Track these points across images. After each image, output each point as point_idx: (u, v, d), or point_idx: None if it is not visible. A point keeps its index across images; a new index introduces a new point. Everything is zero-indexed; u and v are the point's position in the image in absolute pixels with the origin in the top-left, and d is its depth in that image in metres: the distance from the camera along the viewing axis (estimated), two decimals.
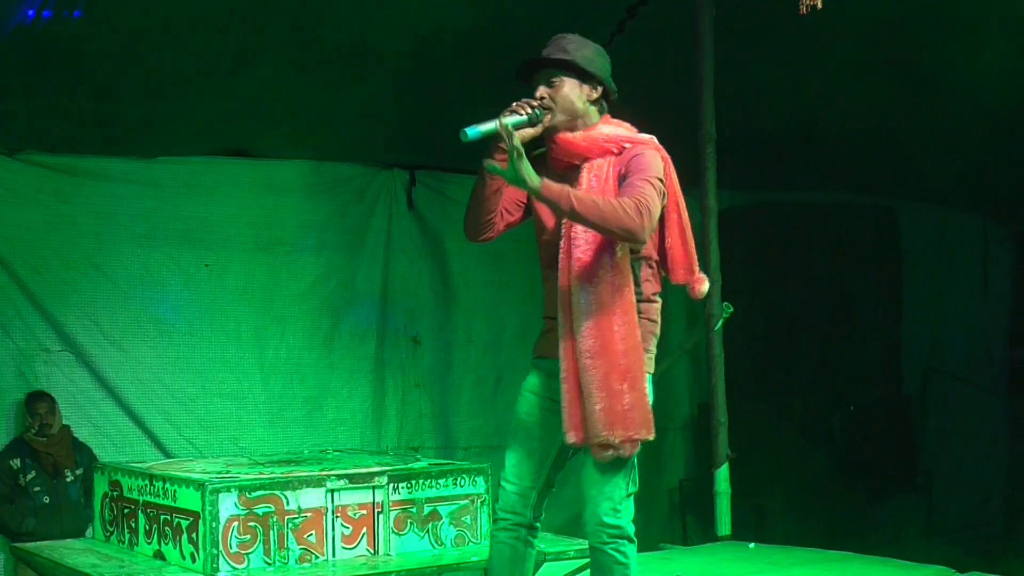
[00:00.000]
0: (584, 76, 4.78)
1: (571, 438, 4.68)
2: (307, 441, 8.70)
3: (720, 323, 8.43)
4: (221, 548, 5.47)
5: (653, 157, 4.70)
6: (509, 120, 4.53)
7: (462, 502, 6.08)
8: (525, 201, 4.90)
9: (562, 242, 4.70)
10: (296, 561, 5.65)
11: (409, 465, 6.16)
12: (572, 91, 4.75)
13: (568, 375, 4.66)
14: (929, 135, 10.37)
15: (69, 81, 7.69)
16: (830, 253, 11.32)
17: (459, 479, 6.08)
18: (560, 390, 4.68)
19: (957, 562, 7.51)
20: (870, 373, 11.82)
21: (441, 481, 6.03)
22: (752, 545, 8.15)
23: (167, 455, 8.41)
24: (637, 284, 4.72)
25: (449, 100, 8.49)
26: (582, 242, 4.64)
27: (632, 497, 4.77)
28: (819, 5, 6.49)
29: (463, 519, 6.07)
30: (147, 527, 5.94)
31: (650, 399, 4.70)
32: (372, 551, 5.84)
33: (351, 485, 5.81)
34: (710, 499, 8.53)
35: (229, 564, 5.48)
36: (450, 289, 9.91)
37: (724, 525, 8.41)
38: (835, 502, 10.87)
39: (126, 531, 6.12)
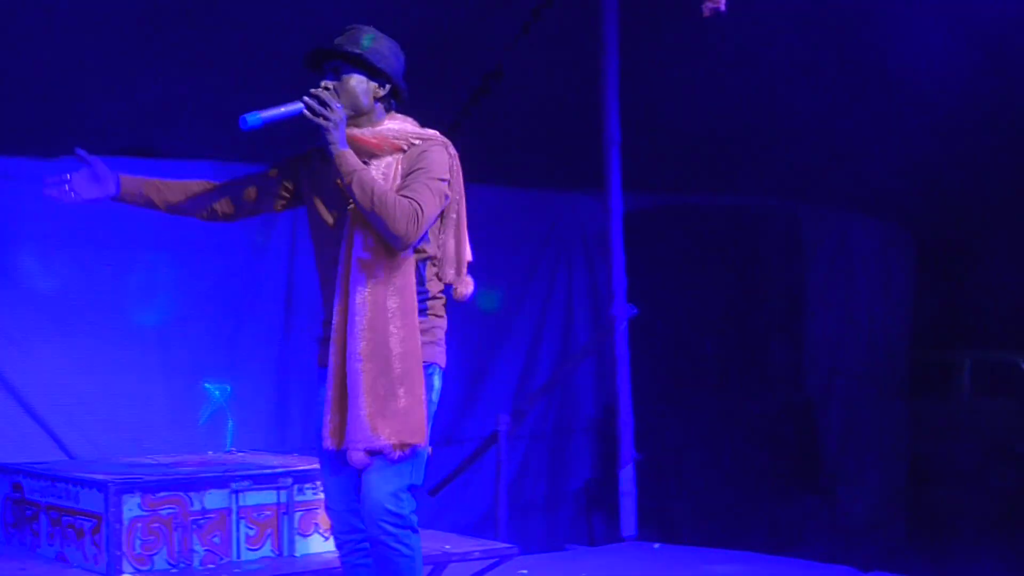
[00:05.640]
0: (373, 72, 4.66)
1: (328, 443, 4.59)
2: (211, 442, 8.63)
3: (625, 325, 8.50)
4: (124, 550, 5.43)
5: (439, 154, 4.61)
6: (290, 108, 4.50)
7: None
8: (287, 195, 4.85)
9: (344, 241, 4.58)
10: (200, 563, 5.62)
11: (314, 466, 6.13)
12: (359, 86, 4.63)
13: (333, 377, 4.57)
14: (831, 139, 10.51)
15: None
16: (734, 256, 11.43)
17: None
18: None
19: (860, 562, 7.63)
20: (774, 375, 11.94)
21: None
22: (657, 545, 8.22)
23: (70, 456, 8.32)
24: (423, 283, 4.65)
25: None
26: (364, 241, 4.53)
27: (413, 490, 4.63)
28: (722, 8, 6.56)
29: None
30: (49, 529, 5.87)
31: (435, 395, 4.68)
32: (277, 552, 5.82)
33: (256, 486, 5.79)
34: (616, 500, 8.59)
35: (132, 566, 5.44)
36: None
37: (630, 526, 8.48)
38: (740, 503, 10.97)
39: (28, 533, 6.05)
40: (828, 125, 10.29)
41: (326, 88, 4.56)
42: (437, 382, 4.70)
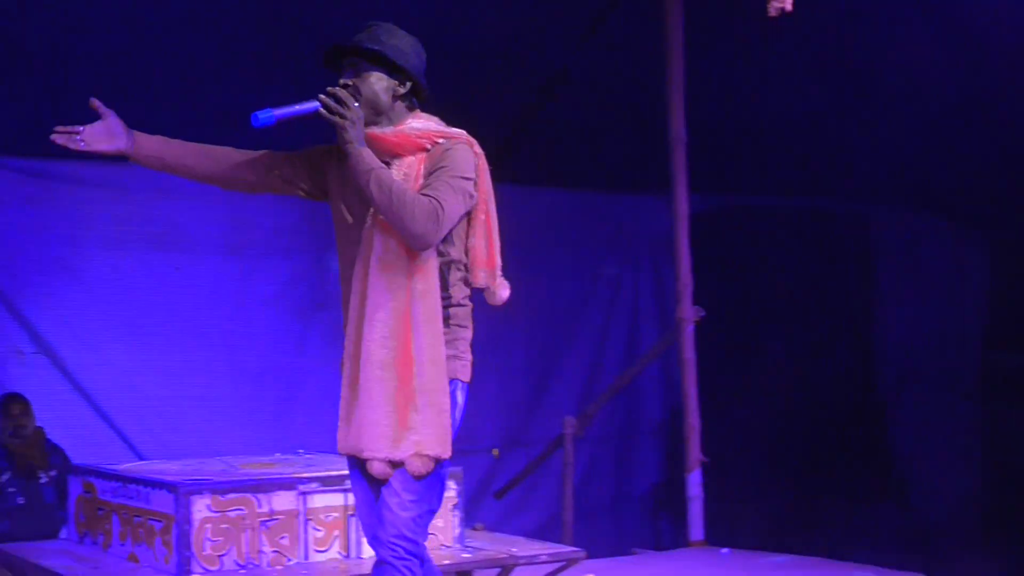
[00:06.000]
0: (393, 69, 4.42)
1: (339, 448, 4.41)
2: (279, 444, 8.67)
3: (692, 327, 8.46)
4: (194, 550, 5.47)
5: (464, 153, 4.35)
6: (305, 106, 4.29)
7: None
8: (306, 188, 4.64)
9: (363, 243, 4.35)
10: (269, 564, 5.66)
11: None
12: (378, 83, 4.40)
13: (349, 382, 4.35)
14: (900, 140, 10.42)
15: (42, 85, 7.68)
16: (802, 257, 11.35)
17: None
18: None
19: (931, 568, 7.55)
20: (843, 378, 11.85)
21: None
22: (725, 550, 8.17)
23: (140, 457, 8.40)
24: (446, 289, 4.37)
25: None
26: (385, 243, 4.29)
27: (432, 516, 4.45)
28: (788, 7, 6.50)
29: (435, 522, 6.05)
30: (121, 529, 5.93)
31: (458, 412, 4.43)
32: (344, 554, 5.84)
33: (323, 488, 5.82)
34: (683, 504, 8.55)
35: (202, 566, 5.49)
36: None
37: (697, 530, 8.43)
38: (809, 507, 10.88)
39: (100, 533, 6.11)
40: (897, 126, 10.20)
41: (345, 86, 4.35)
42: (460, 398, 4.44)
